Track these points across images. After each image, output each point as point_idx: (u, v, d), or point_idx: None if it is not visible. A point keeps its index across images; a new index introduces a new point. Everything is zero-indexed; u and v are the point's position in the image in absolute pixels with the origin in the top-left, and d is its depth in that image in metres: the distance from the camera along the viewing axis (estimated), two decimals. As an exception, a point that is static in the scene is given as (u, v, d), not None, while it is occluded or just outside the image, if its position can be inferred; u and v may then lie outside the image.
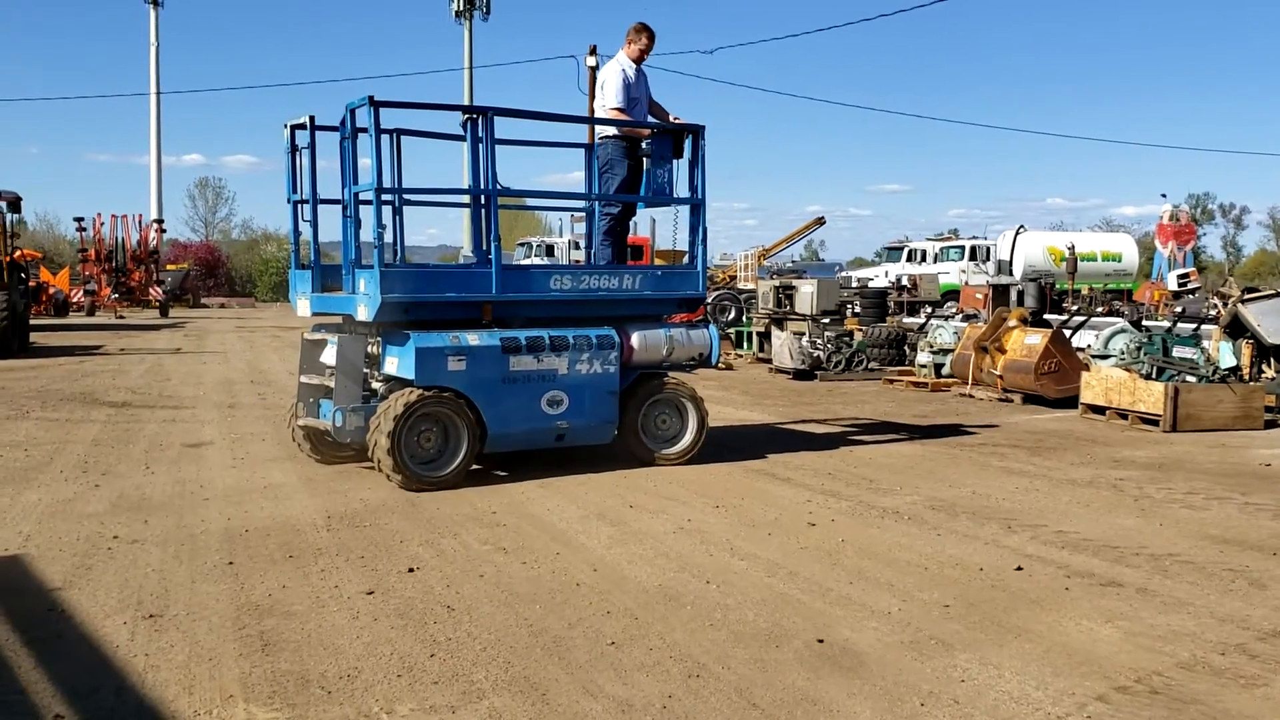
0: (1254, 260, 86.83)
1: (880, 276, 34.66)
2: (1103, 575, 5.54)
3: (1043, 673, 4.17)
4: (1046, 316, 17.10)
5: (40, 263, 38.22)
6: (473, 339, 7.63)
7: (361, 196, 7.72)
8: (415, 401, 7.30)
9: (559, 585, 5.24)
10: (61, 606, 4.82)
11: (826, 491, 7.57)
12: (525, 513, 6.81)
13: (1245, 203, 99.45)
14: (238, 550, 5.80)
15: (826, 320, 17.18)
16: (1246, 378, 11.94)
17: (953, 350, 14.84)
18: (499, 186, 8.01)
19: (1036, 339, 12.96)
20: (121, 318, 34.54)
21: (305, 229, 8.40)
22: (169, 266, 47.41)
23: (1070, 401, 12.28)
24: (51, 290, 35.33)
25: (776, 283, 18.29)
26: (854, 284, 30.17)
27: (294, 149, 8.28)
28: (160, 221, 46.90)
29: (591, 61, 30.77)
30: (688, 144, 8.70)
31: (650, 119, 8.90)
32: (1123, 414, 11.25)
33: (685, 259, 9.11)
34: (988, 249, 35.54)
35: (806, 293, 17.02)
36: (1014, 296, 22.00)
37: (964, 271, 33.83)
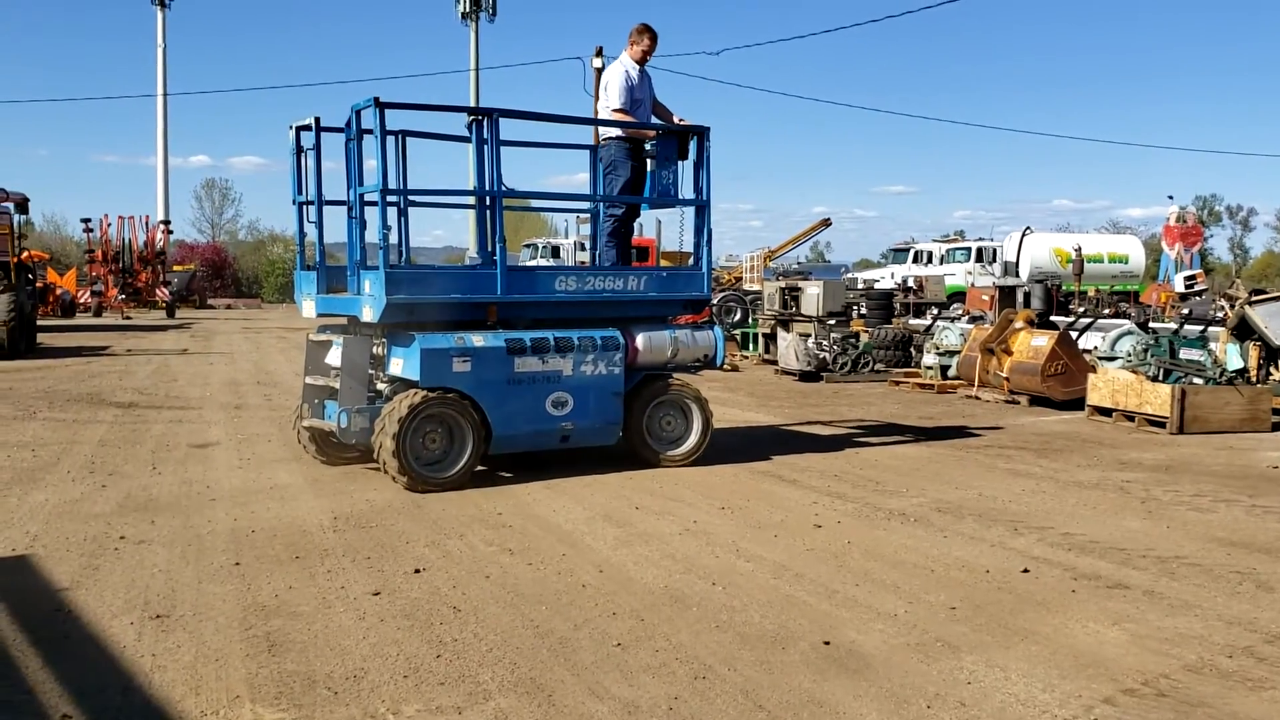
0: (1261, 262, 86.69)
1: (886, 278, 34.63)
2: (1109, 577, 5.53)
3: (1049, 675, 4.16)
4: (1053, 318, 17.05)
5: (47, 264, 38.31)
6: (478, 340, 7.63)
7: (366, 198, 7.72)
8: (420, 402, 7.31)
9: (565, 586, 5.24)
10: (68, 606, 4.83)
11: (833, 493, 7.57)
12: (531, 514, 6.81)
13: (1252, 204, 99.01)
14: (244, 551, 5.81)
15: (832, 322, 17.17)
16: (1254, 380, 11.90)
17: (959, 352, 14.82)
18: (504, 188, 8.02)
19: (1043, 341, 12.94)
20: (128, 319, 34.58)
21: (310, 230, 8.42)
22: (176, 267, 47.51)
23: (1077, 403, 12.26)
24: (58, 291, 35.42)
25: (782, 284, 18.30)
26: (860, 285, 30.20)
27: (299, 150, 8.29)
28: (167, 223, 46.98)
29: (598, 63, 30.78)
30: (692, 145, 8.69)
31: (654, 120, 8.90)
32: (1129, 416, 11.23)
33: (690, 260, 9.08)
34: (994, 250, 35.46)
35: (812, 294, 17.03)
36: (1020, 298, 21.92)
37: (970, 273, 33.78)
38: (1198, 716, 3.80)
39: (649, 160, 8.76)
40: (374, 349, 7.85)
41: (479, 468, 7.77)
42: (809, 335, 16.65)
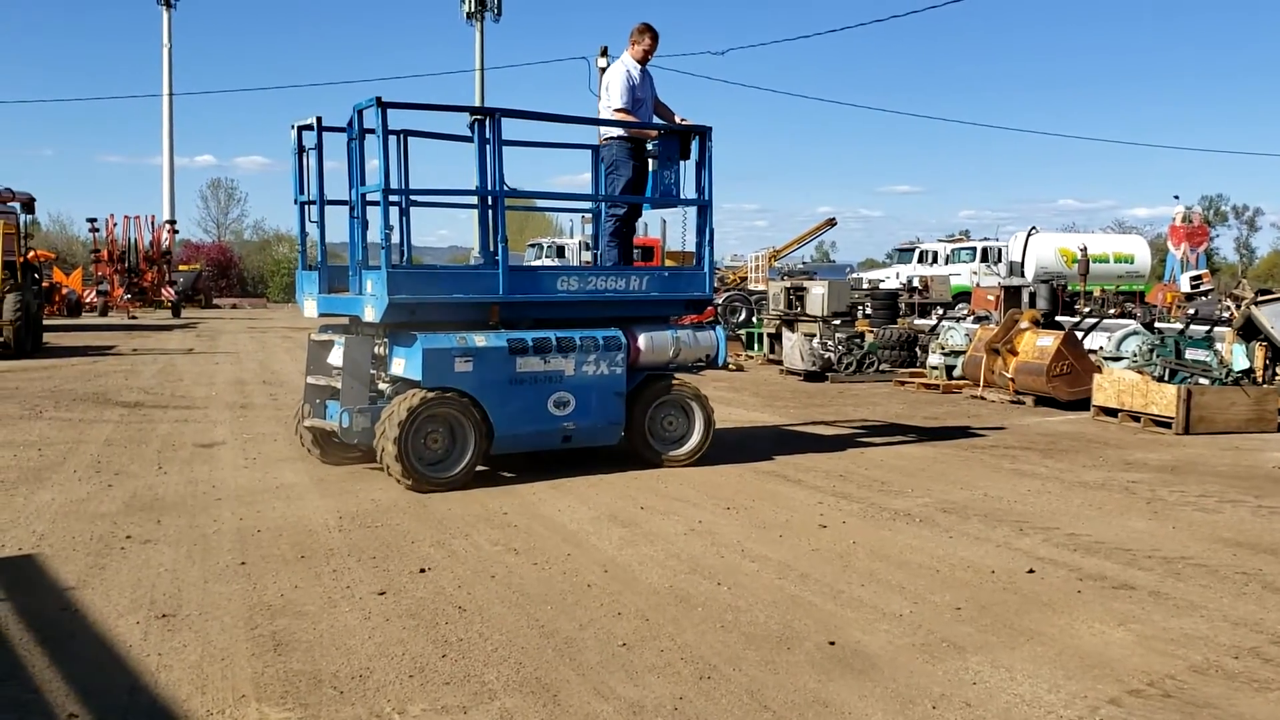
0: (1267, 262, 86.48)
1: (891, 278, 34.60)
2: (1115, 578, 5.52)
3: (1055, 675, 4.16)
4: (1058, 318, 17.03)
5: (53, 263, 38.37)
6: (480, 340, 7.62)
7: (369, 197, 7.72)
8: (422, 403, 7.31)
9: (570, 586, 5.25)
10: (75, 606, 4.84)
11: (838, 493, 7.57)
12: (536, 513, 6.82)
13: (1259, 204, 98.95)
14: (250, 550, 5.82)
15: (837, 322, 17.15)
16: (1260, 380, 11.88)
17: (964, 352, 14.81)
18: (505, 188, 8.01)
19: (1048, 341, 12.93)
20: (134, 318, 34.66)
21: (312, 230, 8.41)
22: (181, 267, 47.57)
23: (1082, 404, 12.24)
24: (65, 291, 35.51)
25: (787, 284, 18.28)
26: (865, 285, 30.14)
27: (300, 150, 8.29)
28: (173, 222, 47.11)
29: (603, 62, 30.80)
30: (694, 145, 8.68)
31: (656, 120, 8.89)
32: (1135, 416, 11.22)
33: (693, 260, 9.07)
34: (999, 250, 35.44)
35: (817, 294, 17.00)
36: (1026, 298, 21.92)
37: (975, 273, 33.76)
38: (1203, 717, 3.80)
39: (651, 160, 8.76)
40: (376, 349, 7.84)
41: (480, 468, 7.76)
42: (814, 335, 16.64)
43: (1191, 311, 18.34)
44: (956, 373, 15.00)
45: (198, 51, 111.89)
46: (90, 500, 7.02)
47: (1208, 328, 13.53)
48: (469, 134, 8.32)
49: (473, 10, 52.89)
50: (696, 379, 9.22)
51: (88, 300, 37.52)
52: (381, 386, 7.91)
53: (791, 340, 16.67)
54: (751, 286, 32.58)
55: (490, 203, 8.20)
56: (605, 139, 8.89)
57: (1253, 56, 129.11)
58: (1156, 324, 16.25)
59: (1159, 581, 5.47)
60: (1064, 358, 12.68)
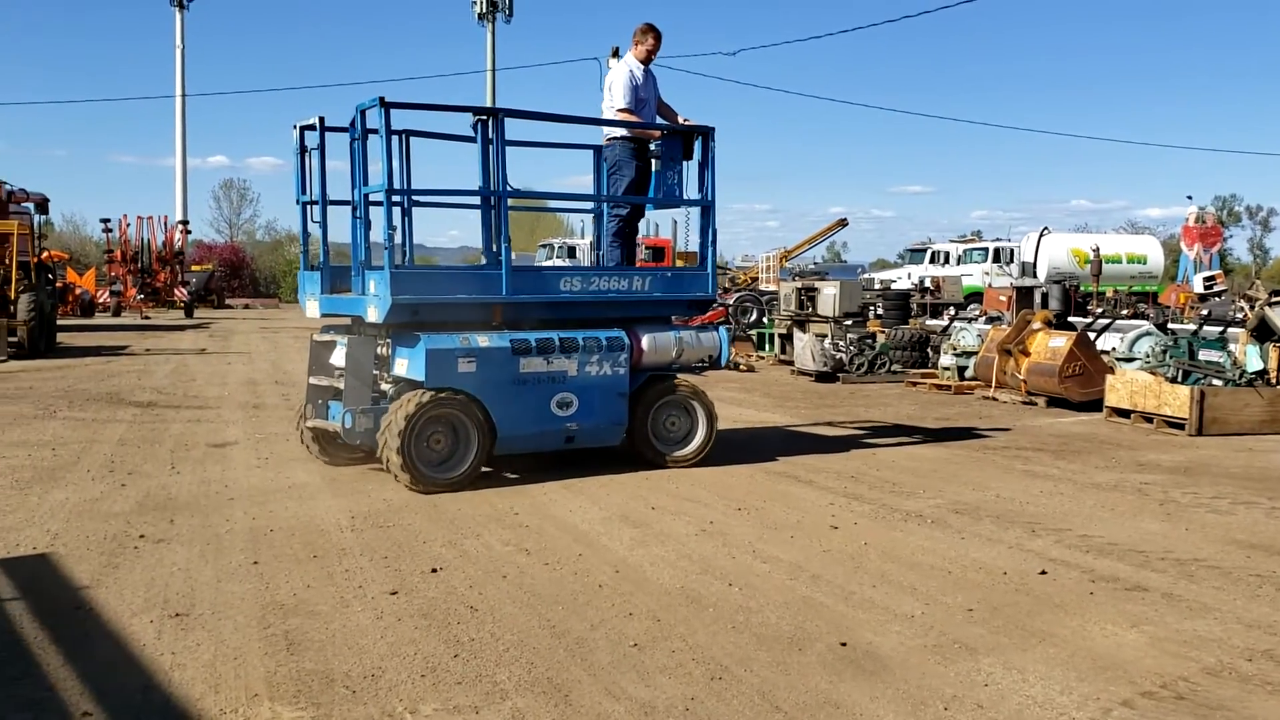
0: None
1: (903, 278, 34.52)
2: (1128, 580, 5.50)
3: (1067, 677, 4.15)
4: (1071, 319, 16.99)
5: (67, 264, 38.57)
6: (483, 341, 7.61)
7: (372, 197, 7.71)
8: (425, 403, 7.29)
9: (581, 587, 5.25)
10: (89, 605, 4.86)
11: (849, 494, 7.56)
12: (547, 514, 6.83)
13: (1272, 204, 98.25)
14: (262, 550, 5.84)
15: (849, 322, 17.15)
16: (1274, 381, 11.82)
17: (976, 353, 14.77)
18: (509, 188, 7.98)
19: (1061, 342, 12.89)
20: (147, 318, 34.80)
21: (314, 230, 8.38)
22: (194, 267, 47.77)
23: (1095, 405, 12.21)
24: (78, 291, 35.68)
25: (799, 284, 18.28)
26: (876, 286, 30.14)
27: (303, 150, 8.27)
28: (185, 223, 47.25)
29: (613, 63, 30.79)
30: (697, 145, 8.67)
31: (659, 120, 8.88)
32: (1148, 417, 11.18)
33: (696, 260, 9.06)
34: (1011, 251, 35.33)
35: (829, 294, 17.00)
36: (1038, 299, 21.85)
37: (987, 273, 33.66)
38: (1217, 720, 3.79)
39: (654, 160, 8.75)
40: (378, 349, 7.83)
41: (485, 469, 7.75)
42: (825, 336, 16.63)
43: (1205, 312, 18.29)
44: (968, 373, 14.97)
45: (211, 52, 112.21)
46: (104, 500, 7.05)
47: (1221, 329, 13.49)
48: (472, 134, 8.29)
49: (484, 11, 52.92)
50: (701, 380, 9.20)
51: (101, 300, 37.70)
52: (384, 387, 7.89)
53: (803, 341, 16.65)
54: (763, 287, 32.54)
55: (493, 203, 8.17)
56: (608, 139, 8.88)
57: (1266, 56, 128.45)
58: (1170, 325, 16.17)
59: (1172, 583, 5.46)
60: (1076, 359, 12.65)
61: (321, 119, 8.04)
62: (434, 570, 5.47)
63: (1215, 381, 11.29)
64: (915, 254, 38.08)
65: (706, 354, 8.72)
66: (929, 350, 17.48)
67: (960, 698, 3.94)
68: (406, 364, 7.58)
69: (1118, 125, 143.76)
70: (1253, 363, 11.84)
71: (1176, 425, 10.80)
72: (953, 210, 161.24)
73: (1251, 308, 12.92)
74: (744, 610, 4.92)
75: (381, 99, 7.27)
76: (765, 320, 21.47)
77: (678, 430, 8.62)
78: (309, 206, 8.38)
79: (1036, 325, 13.51)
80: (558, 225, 62.99)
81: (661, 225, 36.39)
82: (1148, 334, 13.21)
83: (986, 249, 35.64)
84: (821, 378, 16.00)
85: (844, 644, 4.48)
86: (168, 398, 12.73)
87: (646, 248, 33.13)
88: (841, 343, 16.56)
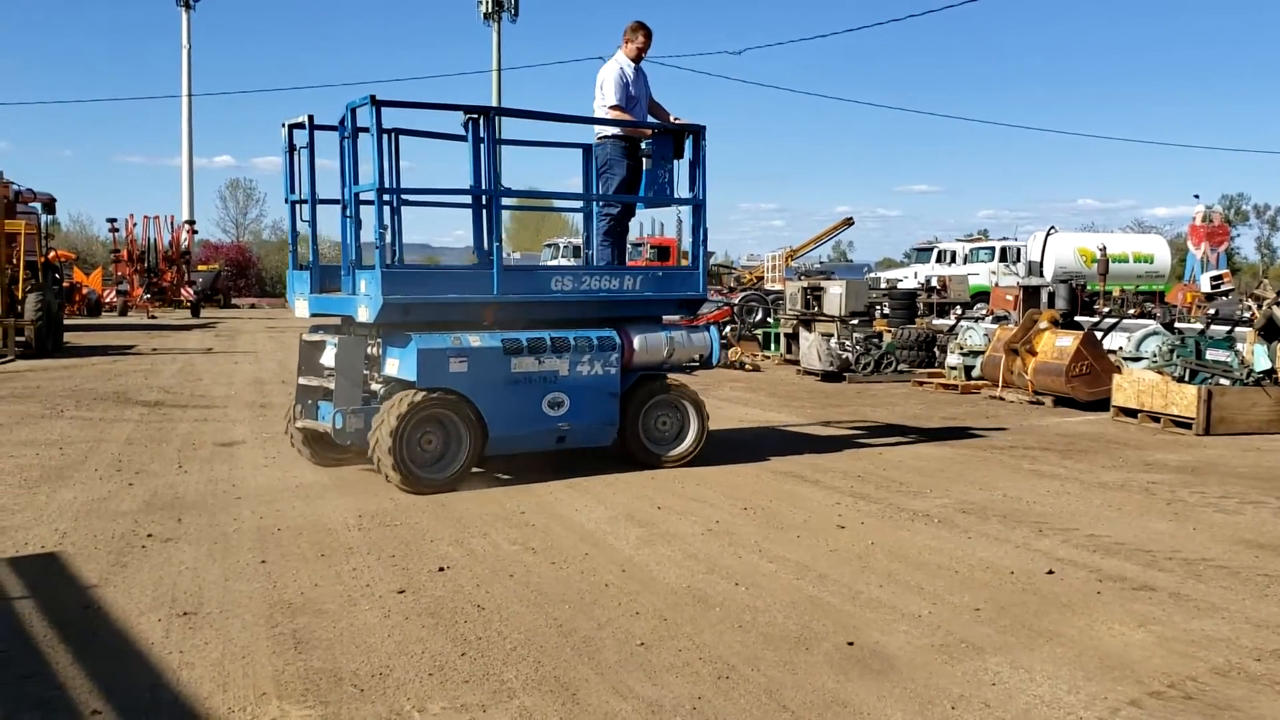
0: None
1: (909, 277, 34.50)
2: (1135, 579, 5.50)
3: (1075, 677, 4.14)
4: (1078, 318, 16.96)
5: (74, 263, 38.63)
6: (474, 340, 7.56)
7: (363, 196, 7.66)
8: (417, 403, 7.24)
9: (588, 586, 5.25)
10: (97, 603, 4.88)
11: (856, 494, 7.55)
12: (554, 513, 6.83)
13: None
14: (270, 549, 5.85)
15: (855, 321, 17.12)
16: (1281, 380, 11.80)
17: (983, 352, 14.75)
18: (501, 187, 7.92)
19: (1068, 341, 12.87)
20: (154, 318, 34.84)
21: (304, 229, 8.32)
22: (200, 267, 47.77)
23: (1102, 404, 12.18)
24: (85, 290, 35.72)
25: (804, 284, 18.23)
26: (883, 285, 30.09)
27: (291, 148, 8.22)
28: (192, 223, 47.33)
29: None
30: (688, 144, 8.64)
31: (650, 119, 8.87)
32: (1155, 417, 11.16)
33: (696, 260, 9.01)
34: (1018, 250, 35.31)
35: (835, 294, 16.96)
36: (1045, 298, 21.87)
37: (994, 273, 33.64)
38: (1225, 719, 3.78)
39: (645, 159, 8.73)
40: (369, 349, 7.77)
41: (475, 469, 7.70)
42: (831, 335, 16.61)
43: (1212, 311, 18.23)
44: (975, 373, 14.94)
45: (217, 52, 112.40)
46: (111, 499, 7.07)
47: (1228, 328, 13.44)
48: (463, 133, 8.22)
49: (490, 10, 52.99)
50: (698, 379, 9.17)
51: (107, 300, 37.74)
52: (374, 387, 7.82)
53: (809, 340, 16.64)
54: (768, 286, 32.54)
55: (485, 202, 8.11)
56: (599, 138, 8.85)
57: (1273, 55, 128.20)
58: (1176, 324, 16.13)
59: (1179, 583, 5.45)
60: (1083, 358, 12.62)
61: (311, 117, 7.98)
62: (441, 569, 5.48)
63: (1223, 381, 11.27)
64: (922, 253, 38.07)
65: (697, 353, 8.69)
66: (935, 350, 17.46)
67: (967, 697, 3.94)
68: (398, 364, 7.52)
69: (1124, 124, 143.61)
70: (1260, 362, 11.81)
71: (1184, 425, 10.78)
72: (959, 209, 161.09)
73: (1259, 307, 12.88)
74: (751, 610, 4.92)
75: (372, 97, 7.23)
76: (771, 319, 21.46)
77: (669, 430, 8.57)
78: (298, 205, 8.33)
79: (1043, 325, 13.48)
80: (563, 225, 62.97)
81: (667, 224, 36.40)
82: (1155, 333, 13.17)
83: (993, 248, 35.63)
84: (827, 377, 15.99)
85: (851, 643, 4.48)
86: (175, 397, 12.76)
87: (652, 247, 33.18)
88: (848, 342, 16.54)
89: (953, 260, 35.39)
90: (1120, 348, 13.54)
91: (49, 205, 22.04)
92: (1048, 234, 34.96)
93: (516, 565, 5.59)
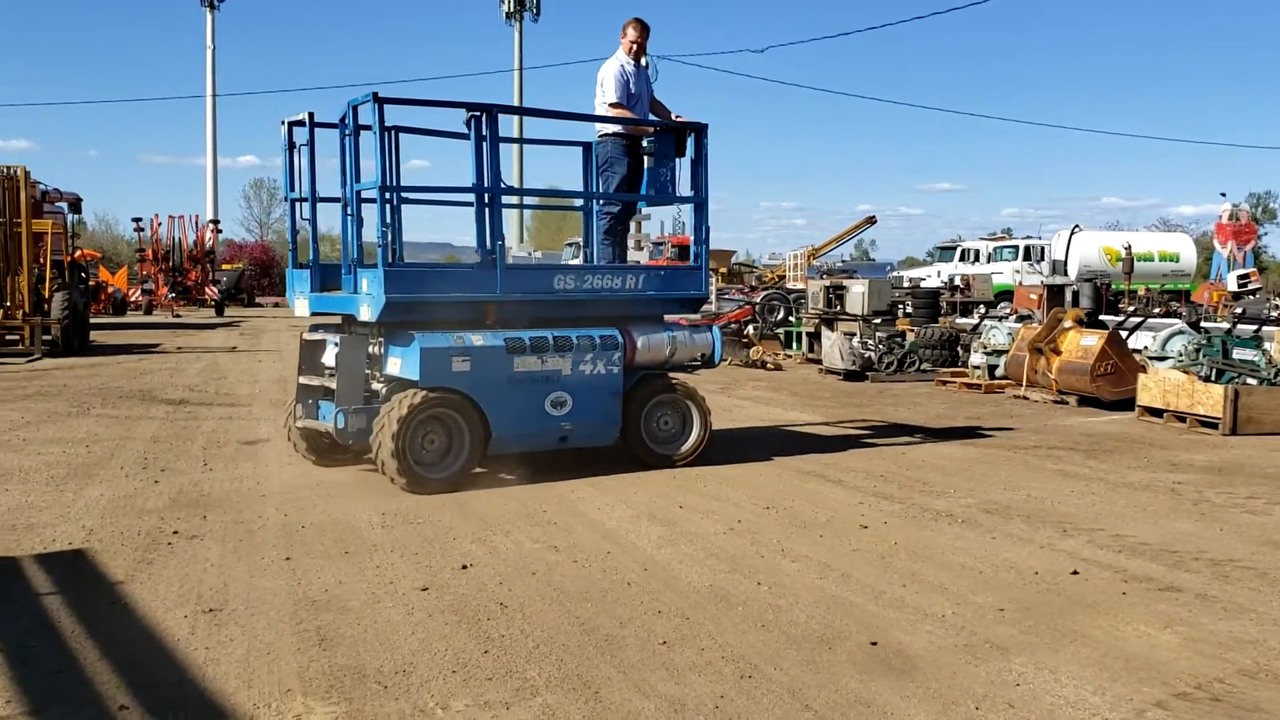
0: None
1: (932, 276, 34.37)
2: (1161, 580, 5.46)
3: (1100, 678, 4.12)
4: (1102, 318, 16.86)
5: (99, 262, 38.99)
6: (477, 339, 7.52)
7: (365, 195, 7.63)
8: (420, 403, 7.20)
9: (610, 584, 5.26)
10: (123, 600, 4.92)
11: (878, 494, 7.53)
12: (576, 511, 6.84)
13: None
14: (295, 546, 5.89)
15: (878, 320, 17.05)
16: (1309, 380, 11.69)
17: (1007, 351, 14.68)
18: (502, 185, 7.89)
19: (1092, 340, 12.79)
20: (178, 316, 35.10)
21: (303, 227, 8.29)
22: (224, 266, 48.10)
23: (1127, 404, 12.10)
24: (110, 289, 36.03)
25: (827, 282, 18.18)
26: (906, 284, 29.96)
27: (291, 146, 8.19)
28: (216, 222, 47.62)
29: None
30: (690, 142, 8.61)
31: (652, 117, 8.84)
32: (1181, 417, 11.07)
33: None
34: (1042, 249, 35.13)
35: (857, 293, 16.91)
36: (1069, 297, 21.70)
37: (1018, 271, 33.49)
38: (1253, 722, 3.75)
39: (646, 157, 8.70)
40: (370, 348, 7.74)
41: (477, 470, 7.65)
42: (854, 334, 16.56)
43: (1239, 310, 18.11)
44: (999, 372, 14.87)
45: (240, 52, 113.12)
46: (137, 496, 7.12)
47: (1255, 327, 13.35)
48: (465, 130, 8.17)
49: (512, 10, 53.12)
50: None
51: (133, 299, 38.03)
52: (375, 386, 7.79)
53: (831, 339, 16.60)
54: (790, 285, 32.47)
55: (487, 200, 8.10)
56: (600, 136, 8.84)
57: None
58: (1203, 323, 16.02)
59: (1206, 584, 5.40)
60: (1108, 357, 12.54)
61: (311, 114, 7.94)
62: (464, 567, 5.50)
63: (1250, 380, 11.18)
64: (945, 252, 37.92)
65: (699, 353, 8.66)
66: (959, 349, 17.38)
67: (991, 697, 3.92)
68: (400, 363, 7.48)
69: (1149, 121, 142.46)
70: (1288, 361, 11.72)
71: (1210, 425, 10.70)
72: (982, 208, 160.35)
73: (1287, 306, 12.76)
74: (773, 609, 4.91)
75: (375, 94, 7.22)
76: (793, 319, 21.40)
77: (671, 429, 8.52)
78: (298, 204, 8.31)
79: (1068, 324, 13.40)
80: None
81: (683, 222, 36.29)
82: (1180, 332, 13.08)
83: (1017, 247, 35.47)
84: (850, 376, 15.94)
85: (874, 643, 4.46)
86: (199, 395, 12.84)
87: (673, 246, 33.15)
88: (870, 341, 16.49)
89: (976, 259, 35.24)
90: (1145, 347, 13.46)
91: (75, 205, 22.25)
92: (1072, 232, 34.76)
93: (539, 563, 5.60)
